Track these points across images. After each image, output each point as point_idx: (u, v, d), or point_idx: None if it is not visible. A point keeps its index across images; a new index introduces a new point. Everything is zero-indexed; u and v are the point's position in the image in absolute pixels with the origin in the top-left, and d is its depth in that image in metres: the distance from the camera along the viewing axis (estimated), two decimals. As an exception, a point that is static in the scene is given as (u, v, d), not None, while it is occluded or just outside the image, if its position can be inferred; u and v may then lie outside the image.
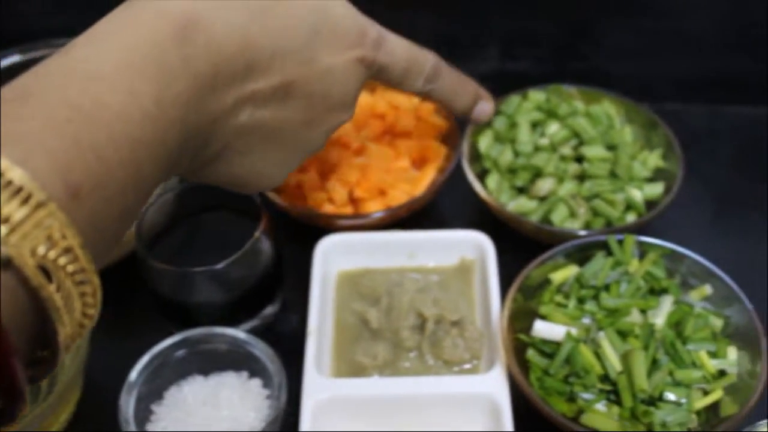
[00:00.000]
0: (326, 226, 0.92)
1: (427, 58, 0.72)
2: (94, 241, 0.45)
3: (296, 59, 0.58)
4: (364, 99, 1.01)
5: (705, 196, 1.02)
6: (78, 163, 0.43)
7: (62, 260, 0.42)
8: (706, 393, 0.78)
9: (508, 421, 0.76)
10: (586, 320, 0.81)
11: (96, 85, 0.46)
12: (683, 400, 0.76)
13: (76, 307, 0.44)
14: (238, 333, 0.82)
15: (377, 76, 0.68)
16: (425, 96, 0.76)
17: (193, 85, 0.51)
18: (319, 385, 0.79)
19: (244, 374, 0.83)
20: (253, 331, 0.85)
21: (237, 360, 0.83)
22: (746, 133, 1.10)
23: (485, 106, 0.83)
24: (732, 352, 0.80)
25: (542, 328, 0.80)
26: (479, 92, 0.82)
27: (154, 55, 0.50)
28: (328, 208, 0.93)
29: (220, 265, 0.80)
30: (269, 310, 0.88)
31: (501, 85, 1.02)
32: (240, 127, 0.58)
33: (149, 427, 0.80)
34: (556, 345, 0.79)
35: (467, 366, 0.83)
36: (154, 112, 0.49)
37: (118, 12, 0.52)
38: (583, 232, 0.88)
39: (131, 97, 0.48)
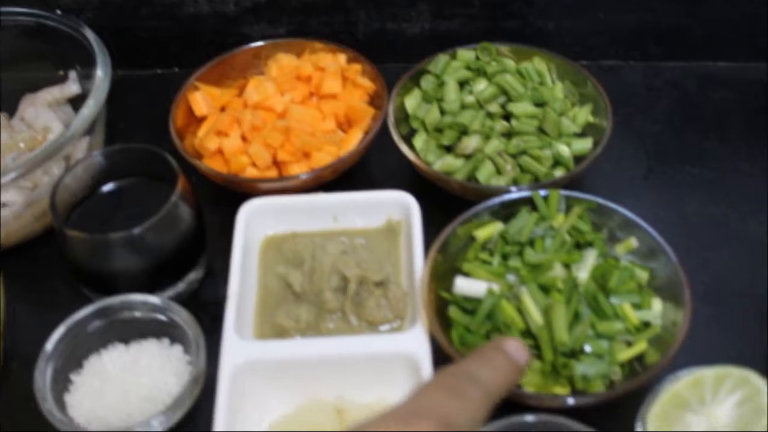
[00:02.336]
0: (250, 190, 0.91)
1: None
2: None
3: None
4: (290, 62, 1.00)
5: (639, 152, 1.02)
6: None
7: None
8: (630, 345, 0.77)
9: (428, 378, 0.74)
10: (511, 277, 0.80)
11: None
12: (605, 353, 0.75)
13: None
14: (156, 299, 0.81)
15: None
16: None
17: None
18: (237, 347, 0.77)
19: (165, 341, 0.82)
20: (177, 298, 0.84)
21: (158, 327, 0.82)
22: (682, 90, 1.09)
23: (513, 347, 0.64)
24: (657, 304, 0.79)
25: (463, 285, 0.79)
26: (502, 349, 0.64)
27: None
28: (252, 173, 0.91)
29: (135, 231, 0.79)
30: (192, 276, 0.87)
31: (433, 45, 1.01)
32: None
33: (67, 396, 0.78)
34: (478, 302, 0.78)
35: (391, 326, 0.82)
36: None
37: None
38: (509, 189, 0.86)
39: None
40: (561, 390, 0.75)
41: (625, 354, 0.76)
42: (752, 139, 1.02)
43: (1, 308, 0.82)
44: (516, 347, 0.62)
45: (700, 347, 0.77)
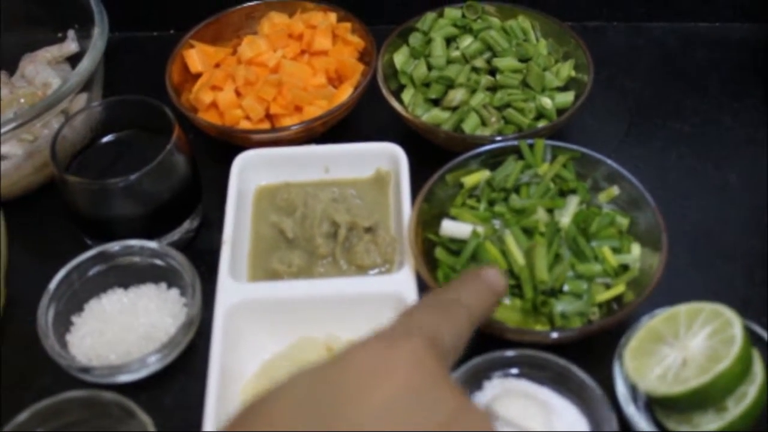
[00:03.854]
0: (244, 143, 0.94)
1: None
2: None
3: None
4: (281, 20, 1.03)
5: (621, 108, 1.05)
6: None
7: None
8: (609, 287, 0.80)
9: (415, 318, 0.77)
10: (496, 222, 0.83)
11: None
12: (584, 292, 0.78)
13: None
14: (154, 244, 0.84)
15: None
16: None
17: None
18: (232, 289, 0.80)
19: (163, 285, 0.85)
20: (173, 246, 0.87)
21: (155, 272, 0.85)
22: (664, 49, 1.12)
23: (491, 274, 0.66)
24: (635, 249, 0.82)
25: (449, 227, 0.82)
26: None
27: None
28: (245, 125, 0.94)
29: (133, 177, 0.82)
30: (188, 225, 0.90)
31: (421, 5, 1.03)
32: None
33: (68, 336, 0.81)
34: (463, 243, 0.81)
35: (380, 270, 0.85)
36: None
37: None
38: (495, 138, 0.89)
39: None
40: (541, 328, 0.78)
41: (604, 295, 0.79)
42: (732, 96, 1.05)
43: (3, 251, 0.84)
44: (493, 274, 0.64)
45: (677, 289, 0.80)
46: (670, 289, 0.79)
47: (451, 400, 0.53)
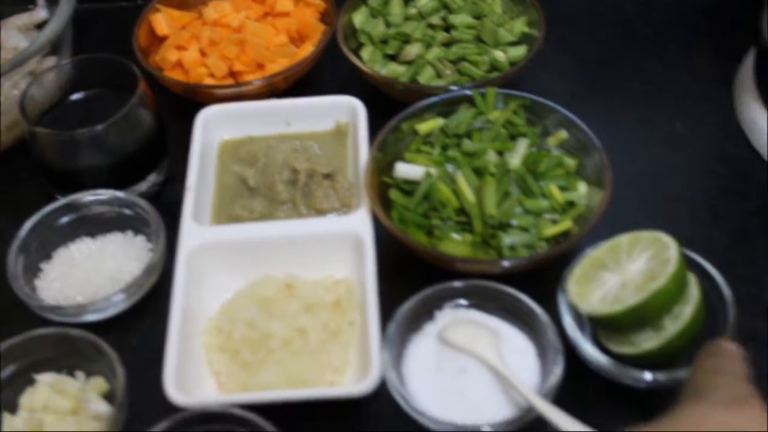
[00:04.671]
0: (208, 99, 0.97)
1: None
2: None
3: None
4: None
5: (574, 66, 1.08)
6: None
7: None
8: (556, 223, 0.83)
9: (370, 256, 0.81)
10: (449, 166, 0.86)
11: None
12: (531, 226, 0.81)
13: None
14: (121, 193, 0.87)
15: None
16: None
17: None
18: (194, 232, 0.84)
19: (129, 233, 0.88)
20: (139, 198, 0.90)
21: (122, 221, 0.88)
22: (623, 14, 1.14)
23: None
24: (582, 187, 0.86)
25: (403, 169, 0.85)
26: None
27: None
28: (209, 82, 0.98)
29: (99, 128, 0.85)
30: (154, 178, 0.93)
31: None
32: None
33: (37, 282, 0.84)
34: (417, 184, 0.84)
35: (338, 215, 0.88)
36: None
37: None
38: (449, 88, 0.92)
39: None
40: (491, 261, 0.81)
41: (551, 229, 0.83)
42: (681, 55, 1.08)
43: None
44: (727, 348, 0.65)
45: (624, 228, 0.82)
46: (617, 228, 0.81)
47: None
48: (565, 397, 0.71)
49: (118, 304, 0.81)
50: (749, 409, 0.58)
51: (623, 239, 0.77)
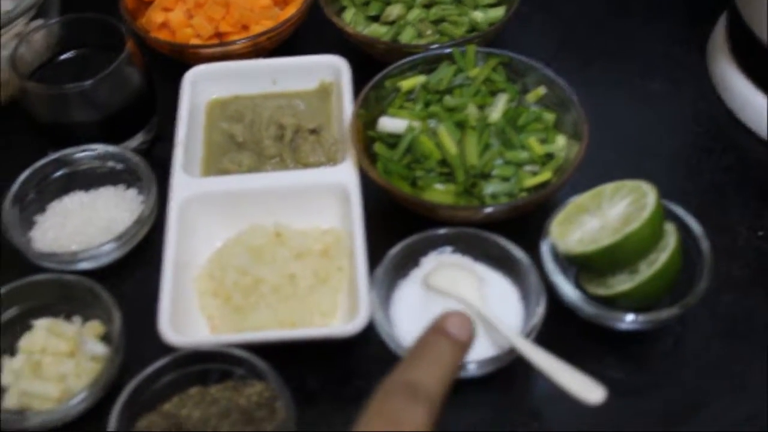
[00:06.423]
0: (195, 59, 0.99)
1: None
2: None
3: None
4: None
5: (554, 29, 1.11)
6: None
7: None
8: (536, 175, 0.86)
9: (357, 204, 0.83)
10: (431, 122, 0.89)
11: None
12: (512, 175, 0.84)
13: None
14: (113, 147, 0.89)
15: None
16: None
17: None
18: (185, 183, 0.86)
19: (121, 187, 0.90)
20: (129, 154, 0.92)
21: (114, 176, 0.90)
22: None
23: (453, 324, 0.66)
24: (561, 140, 0.89)
25: (386, 123, 0.88)
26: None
27: None
28: (195, 42, 1.00)
29: (88, 83, 0.87)
30: (143, 136, 0.95)
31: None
32: None
33: (31, 233, 0.87)
34: (400, 137, 0.87)
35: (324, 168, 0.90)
36: None
37: None
38: (430, 47, 0.95)
39: None
40: (473, 210, 0.84)
41: (531, 180, 0.85)
42: (661, 21, 1.11)
43: None
44: (457, 323, 0.64)
45: (602, 181, 0.85)
46: (597, 183, 0.83)
47: None
48: (547, 340, 0.74)
49: (111, 252, 0.84)
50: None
51: (607, 187, 0.79)
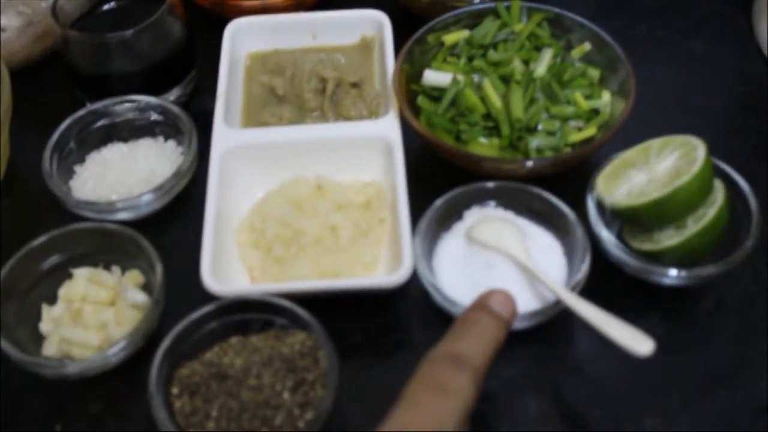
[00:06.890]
0: (235, 13, 0.98)
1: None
2: None
3: None
4: None
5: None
6: None
7: None
8: (581, 130, 0.85)
9: (399, 157, 0.82)
10: (475, 76, 0.88)
11: None
12: (557, 130, 0.83)
13: None
14: (152, 98, 0.89)
15: None
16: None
17: None
18: (226, 134, 0.85)
19: (161, 138, 0.90)
20: (169, 106, 0.91)
21: (154, 127, 0.90)
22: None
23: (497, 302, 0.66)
24: (606, 95, 0.87)
25: (431, 76, 0.87)
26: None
27: None
28: (237, -4, 0.99)
29: (129, 33, 0.87)
30: (182, 88, 0.94)
31: None
32: None
33: (71, 183, 0.86)
34: (444, 90, 0.86)
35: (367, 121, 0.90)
36: None
37: None
38: (474, 1, 0.94)
39: None
40: (518, 165, 0.83)
41: (576, 136, 0.84)
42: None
43: (4, 105, 0.87)
44: (500, 301, 0.65)
45: (646, 138, 0.84)
46: (641, 140, 0.82)
47: None
48: (591, 296, 0.73)
49: (151, 203, 0.83)
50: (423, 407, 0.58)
51: (655, 142, 0.78)
